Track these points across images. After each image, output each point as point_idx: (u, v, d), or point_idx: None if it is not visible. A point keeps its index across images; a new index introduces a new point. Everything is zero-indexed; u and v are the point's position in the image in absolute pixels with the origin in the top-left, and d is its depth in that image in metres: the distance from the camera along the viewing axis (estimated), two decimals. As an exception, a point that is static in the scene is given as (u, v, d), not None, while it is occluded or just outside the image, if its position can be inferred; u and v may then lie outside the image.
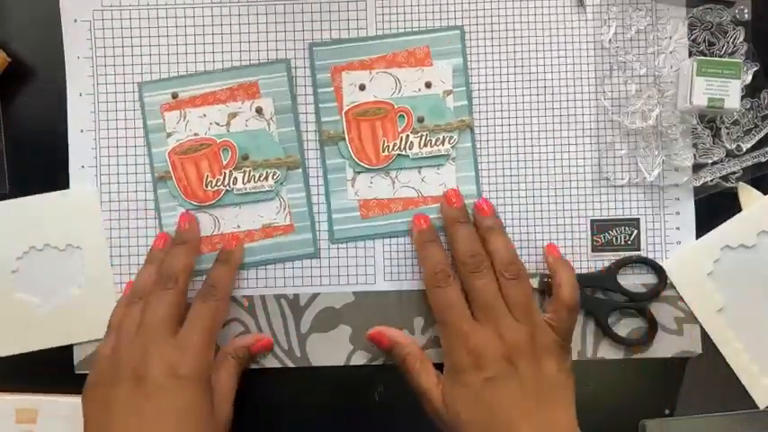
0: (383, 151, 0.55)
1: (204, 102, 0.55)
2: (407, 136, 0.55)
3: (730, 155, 0.54)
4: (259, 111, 0.55)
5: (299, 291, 0.55)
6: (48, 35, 0.56)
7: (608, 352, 0.55)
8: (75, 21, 0.56)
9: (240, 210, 0.55)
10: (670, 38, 0.55)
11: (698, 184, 0.54)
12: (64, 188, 0.55)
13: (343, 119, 0.55)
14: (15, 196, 0.55)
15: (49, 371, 0.55)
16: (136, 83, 0.55)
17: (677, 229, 0.55)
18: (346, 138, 0.55)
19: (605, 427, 0.55)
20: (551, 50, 0.55)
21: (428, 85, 0.55)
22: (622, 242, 0.55)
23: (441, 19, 0.56)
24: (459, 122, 0.55)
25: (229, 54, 0.55)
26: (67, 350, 0.55)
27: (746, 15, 0.54)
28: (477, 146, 0.55)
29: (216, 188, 0.55)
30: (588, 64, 0.55)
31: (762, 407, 0.54)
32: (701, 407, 0.54)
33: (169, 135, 0.55)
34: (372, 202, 0.56)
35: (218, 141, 0.55)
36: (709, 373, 0.54)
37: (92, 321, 0.54)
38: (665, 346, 0.55)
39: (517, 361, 0.48)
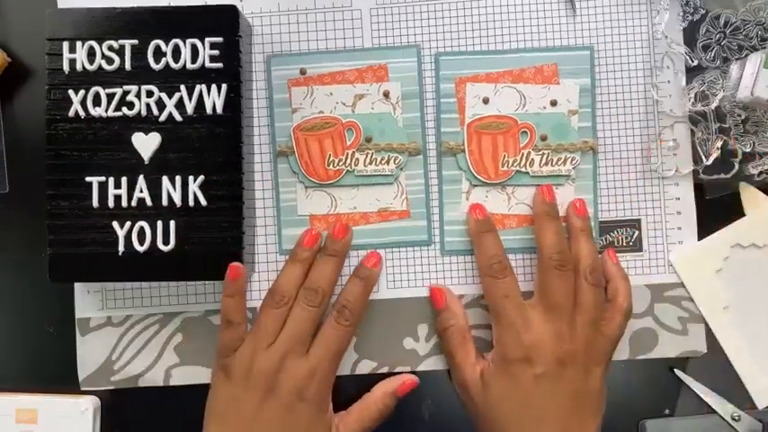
0: (502, 166, 0.54)
1: (332, 80, 0.54)
2: (529, 153, 0.54)
3: None
4: (386, 94, 0.54)
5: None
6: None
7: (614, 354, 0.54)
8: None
9: (358, 191, 0.54)
10: (723, 32, 0.54)
11: (755, 171, 0.54)
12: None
13: (465, 131, 0.54)
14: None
15: (49, 371, 0.55)
16: (266, 53, 0.55)
17: (679, 229, 0.55)
18: (466, 150, 0.54)
19: (605, 427, 0.54)
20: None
21: (553, 103, 0.54)
22: (624, 243, 0.55)
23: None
24: (582, 143, 0.54)
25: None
26: (67, 351, 0.55)
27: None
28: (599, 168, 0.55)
29: (337, 168, 0.54)
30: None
31: (761, 407, 0.55)
32: (701, 407, 0.55)
33: (294, 111, 0.54)
34: None
35: (344, 121, 0.54)
36: (709, 374, 0.55)
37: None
38: (669, 347, 0.55)
39: (569, 365, 0.49)
